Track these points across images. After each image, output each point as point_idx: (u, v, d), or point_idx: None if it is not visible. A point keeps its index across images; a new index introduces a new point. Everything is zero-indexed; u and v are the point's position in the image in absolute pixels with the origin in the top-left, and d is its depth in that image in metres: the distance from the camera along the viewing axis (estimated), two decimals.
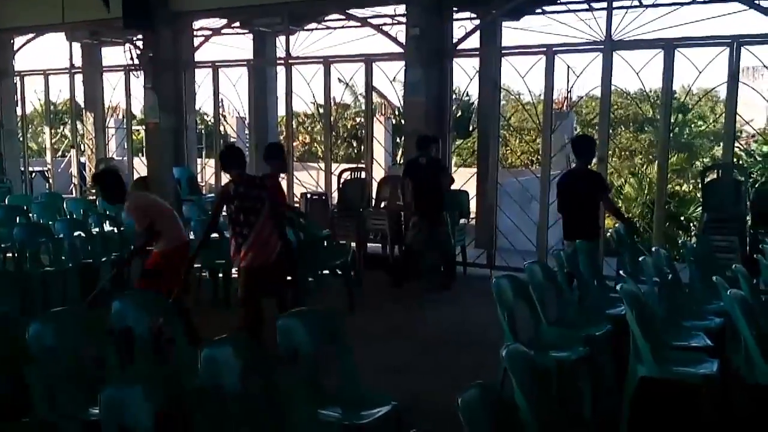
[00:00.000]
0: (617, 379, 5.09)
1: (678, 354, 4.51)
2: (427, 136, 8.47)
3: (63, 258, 7.72)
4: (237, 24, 11.61)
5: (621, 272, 6.42)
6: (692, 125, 22.53)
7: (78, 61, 13.59)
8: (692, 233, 15.87)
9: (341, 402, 3.78)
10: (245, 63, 11.25)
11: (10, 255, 8.55)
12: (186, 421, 3.21)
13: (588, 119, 24.11)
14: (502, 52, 9.36)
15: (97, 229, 8.44)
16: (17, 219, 9.05)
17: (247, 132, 12.62)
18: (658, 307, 5.31)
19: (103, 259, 7.87)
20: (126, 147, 13.27)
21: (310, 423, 3.51)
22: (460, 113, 17.94)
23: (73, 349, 3.85)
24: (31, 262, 7.48)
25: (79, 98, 13.96)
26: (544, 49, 8.86)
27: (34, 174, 14.13)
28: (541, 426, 3.05)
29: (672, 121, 9.08)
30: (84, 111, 14.32)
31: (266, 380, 3.45)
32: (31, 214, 9.46)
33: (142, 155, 13.03)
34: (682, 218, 15.81)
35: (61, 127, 17.33)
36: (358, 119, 23.21)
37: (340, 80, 12.16)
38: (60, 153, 15.12)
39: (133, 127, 13.55)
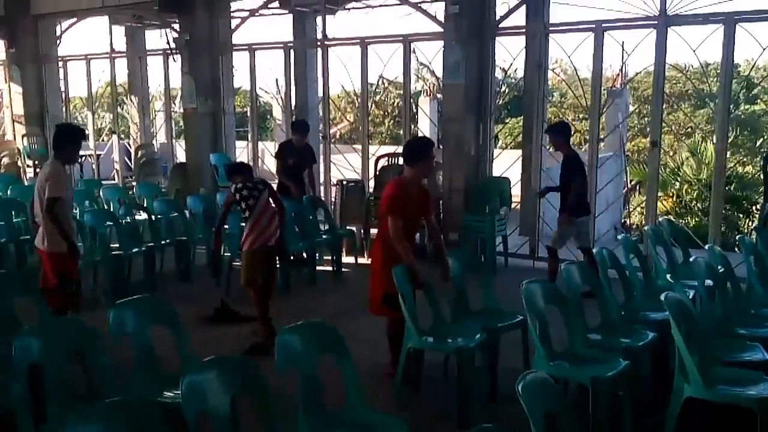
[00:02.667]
0: (661, 390, 4.67)
1: (730, 371, 4.04)
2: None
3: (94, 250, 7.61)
4: (276, 4, 11.29)
5: (674, 272, 5.92)
6: (756, 101, 21.30)
7: (122, 46, 13.57)
8: (753, 217, 14.95)
9: (347, 425, 3.47)
10: (282, 45, 10.94)
11: None
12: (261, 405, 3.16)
13: (644, 95, 23.09)
14: (549, 29, 8.79)
15: (128, 219, 8.31)
16: None
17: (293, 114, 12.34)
18: (709, 314, 4.82)
19: (134, 250, 7.76)
20: (170, 131, 13.17)
21: None
22: (508, 92, 17.29)
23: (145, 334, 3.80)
24: None
25: (123, 83, 13.95)
26: (593, 25, 8.29)
27: (83, 158, 14.19)
28: None
29: (735, 96, 8.37)
30: (128, 95, 14.33)
31: (261, 404, 3.16)
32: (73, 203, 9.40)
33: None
34: (743, 201, 14.85)
35: (103, 113, 17.45)
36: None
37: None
38: (101, 138, 15.16)
39: (175, 111, 13.46)
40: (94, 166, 13.90)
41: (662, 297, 4.02)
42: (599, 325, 4.93)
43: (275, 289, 6.40)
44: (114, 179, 13.69)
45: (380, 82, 15.11)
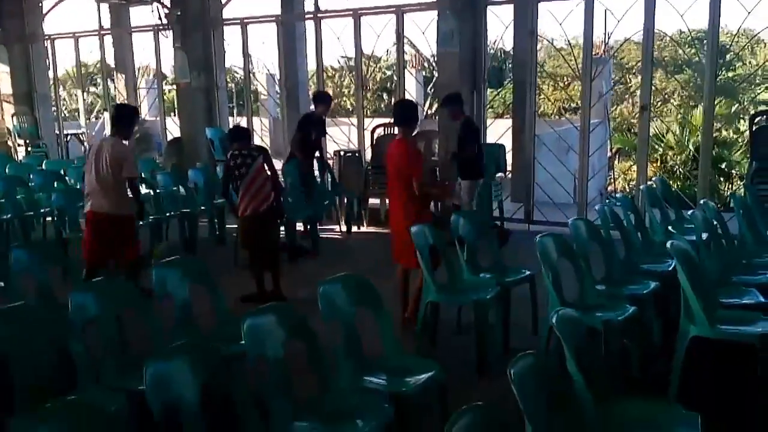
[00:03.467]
0: (665, 338, 5.00)
1: (730, 313, 4.35)
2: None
3: None
4: None
5: (669, 227, 6.23)
6: (731, 67, 21.71)
7: (106, 24, 13.54)
8: (734, 180, 15.40)
9: (385, 369, 3.73)
10: (274, 19, 11.02)
11: (50, 219, 8.70)
12: (228, 390, 3.21)
13: (624, 64, 23.41)
14: None
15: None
16: (54, 184, 9.13)
17: (277, 89, 12.49)
18: (708, 263, 5.13)
19: (140, 223, 7.89)
20: (158, 107, 13.23)
21: (355, 391, 3.47)
22: (491, 64, 17.52)
23: (114, 319, 3.84)
24: (70, 228, 7.52)
25: (110, 60, 13.92)
26: None
27: (69, 137, 14.20)
28: (593, 390, 2.97)
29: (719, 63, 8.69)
30: (114, 73, 14.30)
31: (309, 346, 3.40)
32: (67, 178, 9.51)
33: (174, 115, 12.99)
34: (722, 165, 15.29)
35: (93, 89, 17.35)
36: (388, 72, 22.87)
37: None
38: (93, 115, 15.14)
39: (164, 88, 13.49)
40: (86, 144, 13.92)
41: (668, 244, 4.31)
42: (604, 277, 5.23)
43: (278, 251, 6.73)
44: None
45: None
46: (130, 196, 5.97)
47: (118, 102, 8.11)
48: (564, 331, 2.99)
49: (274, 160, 6.74)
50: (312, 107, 9.08)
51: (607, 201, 8.32)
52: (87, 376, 3.49)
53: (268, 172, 6.37)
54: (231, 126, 9.02)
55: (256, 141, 12.28)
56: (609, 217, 5.74)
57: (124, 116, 6.10)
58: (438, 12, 9.12)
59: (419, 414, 3.60)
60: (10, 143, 13.54)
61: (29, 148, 13.12)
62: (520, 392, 2.54)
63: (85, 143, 14.01)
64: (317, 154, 8.95)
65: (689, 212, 5.66)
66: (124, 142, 6.05)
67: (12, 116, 13.38)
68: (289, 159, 8.77)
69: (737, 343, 4.13)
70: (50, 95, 13.88)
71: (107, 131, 13.91)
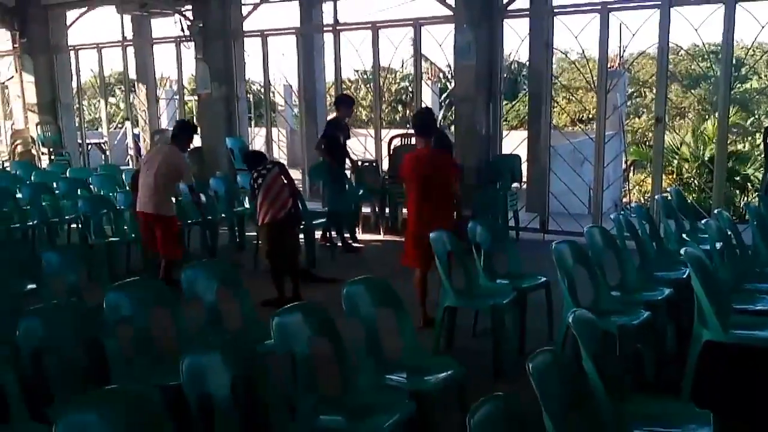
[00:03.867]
0: (678, 344, 5.09)
1: (743, 318, 4.45)
2: None
3: (125, 228, 7.95)
4: None
5: (684, 235, 6.32)
6: (746, 81, 21.76)
7: (128, 35, 13.82)
8: (749, 192, 15.43)
9: (405, 368, 3.85)
10: (294, 31, 11.24)
11: (75, 226, 8.93)
12: (258, 384, 3.35)
13: (638, 78, 23.50)
14: (555, 11, 9.15)
15: None
16: (78, 191, 9.35)
17: (295, 100, 12.69)
18: (721, 271, 5.22)
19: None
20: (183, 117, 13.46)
21: (376, 388, 3.60)
22: (506, 75, 17.66)
23: (146, 317, 3.99)
24: (95, 234, 7.72)
25: (131, 70, 14.20)
26: (599, 6, 8.65)
27: (90, 146, 14.47)
28: (608, 389, 3.08)
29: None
30: (136, 83, 14.58)
31: (335, 344, 3.53)
32: (91, 186, 9.73)
33: None
34: (737, 177, 15.34)
35: (112, 99, 17.64)
36: (402, 83, 23.09)
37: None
38: (115, 125, 15.44)
39: (185, 98, 13.75)
40: (108, 153, 14.19)
41: (682, 251, 4.42)
42: (618, 283, 5.34)
43: (298, 257, 6.97)
44: (128, 164, 13.99)
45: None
46: (173, 200, 6.77)
47: (179, 119, 9.06)
48: (580, 331, 3.11)
49: (291, 170, 6.95)
50: (334, 113, 9.20)
51: (622, 212, 8.41)
52: (120, 372, 3.63)
53: (285, 181, 6.51)
54: (249, 150, 9.32)
55: (275, 151, 12.49)
56: (624, 225, 5.85)
57: (184, 130, 6.91)
58: (455, 25, 9.28)
59: (439, 411, 3.72)
60: (33, 151, 13.83)
61: (53, 157, 13.39)
62: (540, 387, 2.65)
63: (107, 152, 14.27)
64: (347, 157, 9.09)
65: (703, 221, 5.75)
66: (182, 153, 6.83)
67: (36, 125, 13.67)
68: (318, 164, 8.95)
69: (750, 347, 4.22)
70: (73, 105, 14.16)
71: (129, 140, 14.39)
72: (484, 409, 2.27)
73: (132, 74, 14.42)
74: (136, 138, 14.76)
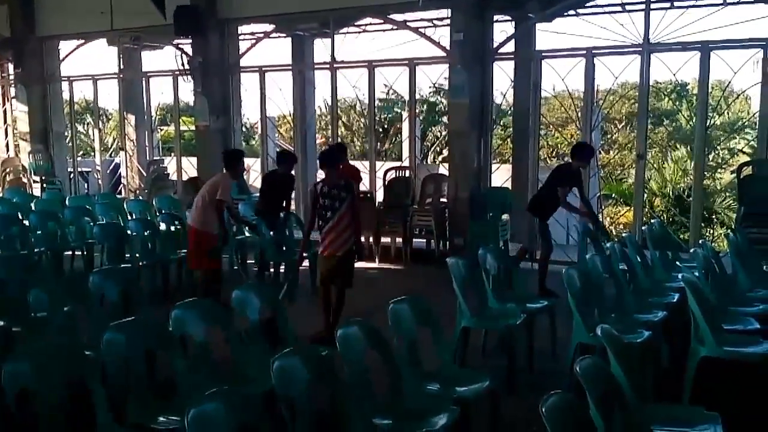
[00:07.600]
0: (671, 361, 5.59)
1: (733, 336, 4.97)
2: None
3: (137, 255, 8.22)
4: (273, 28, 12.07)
5: (677, 263, 6.91)
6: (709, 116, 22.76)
7: (114, 68, 14.12)
8: (715, 227, 16.23)
9: (441, 378, 4.27)
10: (290, 67, 11.73)
11: (79, 253, 9.15)
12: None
13: (606, 114, 24.47)
14: (543, 54, 9.80)
15: (163, 227, 8.96)
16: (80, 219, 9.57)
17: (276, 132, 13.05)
18: (708, 295, 5.76)
19: (172, 257, 8.39)
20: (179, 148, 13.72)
21: (421, 395, 4.00)
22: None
23: (143, 358, 3.99)
24: (109, 259, 7.98)
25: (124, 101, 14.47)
26: (584, 51, 9.32)
27: (88, 173, 14.66)
28: (638, 398, 3.52)
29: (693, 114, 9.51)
30: (125, 113, 14.86)
31: (384, 355, 3.94)
32: (100, 217, 9.95)
33: (186, 155, 13.48)
34: (704, 212, 16.13)
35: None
36: (382, 116, 23.59)
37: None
38: (109, 153, 15.66)
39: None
40: (100, 182, 14.40)
41: (680, 276, 4.95)
42: (614, 305, 5.84)
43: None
44: (121, 193, 14.21)
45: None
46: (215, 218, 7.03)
47: (224, 150, 9.27)
48: (608, 341, 3.57)
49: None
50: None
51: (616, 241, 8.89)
52: (106, 415, 3.54)
53: (352, 213, 6.28)
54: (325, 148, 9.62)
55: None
56: (619, 255, 6.38)
57: (229, 159, 7.35)
58: (449, 65, 9.87)
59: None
60: (24, 179, 13.98)
61: (44, 185, 13.56)
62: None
63: (99, 181, 14.47)
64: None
65: (692, 250, 6.31)
66: (230, 178, 7.22)
67: (28, 154, 13.84)
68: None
69: (742, 363, 4.73)
70: (65, 134, 14.38)
71: (123, 170, 14.62)
72: (553, 398, 2.70)
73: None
74: (116, 167, 14.97)
